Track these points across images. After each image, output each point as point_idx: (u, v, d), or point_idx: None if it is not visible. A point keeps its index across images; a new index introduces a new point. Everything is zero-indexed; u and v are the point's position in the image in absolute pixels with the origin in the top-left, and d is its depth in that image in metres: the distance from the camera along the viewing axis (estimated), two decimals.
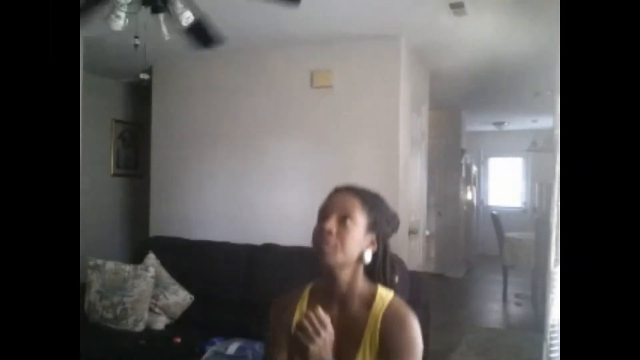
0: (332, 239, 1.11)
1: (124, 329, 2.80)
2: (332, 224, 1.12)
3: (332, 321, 1.10)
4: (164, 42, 2.24)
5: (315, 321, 1.01)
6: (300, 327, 1.02)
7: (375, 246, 1.17)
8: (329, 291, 1.18)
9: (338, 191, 1.20)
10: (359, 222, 1.14)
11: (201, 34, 2.19)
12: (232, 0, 2.71)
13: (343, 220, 1.13)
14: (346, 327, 1.14)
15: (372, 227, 1.16)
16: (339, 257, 1.12)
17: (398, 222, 1.24)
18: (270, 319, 1.24)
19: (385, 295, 1.16)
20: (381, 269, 1.19)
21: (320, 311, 1.03)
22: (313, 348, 1.00)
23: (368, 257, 1.16)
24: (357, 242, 1.14)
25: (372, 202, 1.18)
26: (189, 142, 4.01)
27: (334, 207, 1.15)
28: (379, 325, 1.11)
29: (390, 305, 1.14)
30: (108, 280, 2.93)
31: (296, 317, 1.19)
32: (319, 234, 1.13)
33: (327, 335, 1.01)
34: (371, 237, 1.16)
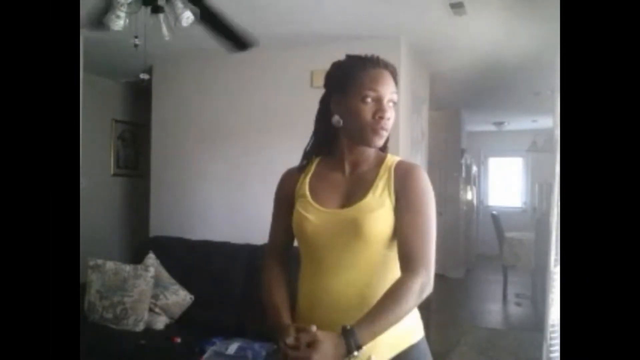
0: (389, 125, 1.18)
1: (124, 329, 2.80)
2: (391, 111, 1.18)
3: (343, 178, 1.22)
4: (164, 42, 2.25)
5: (302, 351, 0.96)
6: None
7: None
8: (340, 159, 1.24)
9: (379, 65, 1.23)
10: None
11: (234, 38, 2.24)
12: (232, 0, 2.71)
13: (391, 103, 1.19)
14: (357, 179, 1.21)
15: None
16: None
17: None
18: (277, 188, 1.35)
19: (394, 157, 1.24)
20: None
21: (306, 332, 0.99)
22: None
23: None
24: None
25: (396, 75, 1.27)
26: (189, 142, 4.01)
27: (386, 89, 1.19)
28: (392, 175, 1.18)
29: (400, 161, 1.23)
30: (108, 280, 2.93)
31: (298, 185, 1.27)
32: (380, 122, 1.16)
33: (319, 352, 0.95)
34: None
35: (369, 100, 1.15)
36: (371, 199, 1.15)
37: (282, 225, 1.29)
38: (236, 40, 2.26)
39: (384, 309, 1.04)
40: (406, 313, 1.07)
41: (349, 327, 0.98)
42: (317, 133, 1.30)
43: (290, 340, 0.98)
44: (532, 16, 3.00)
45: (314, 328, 0.99)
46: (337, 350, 0.96)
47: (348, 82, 1.18)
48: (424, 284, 1.07)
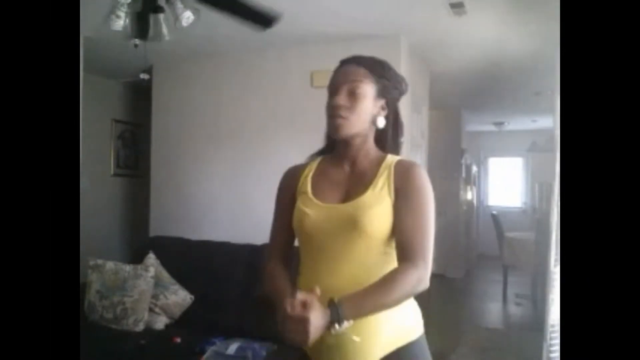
0: (344, 112, 1.17)
1: (124, 329, 2.80)
2: (342, 98, 1.18)
3: (344, 176, 1.22)
4: (164, 42, 2.25)
5: (298, 309, 0.96)
6: (287, 329, 0.97)
7: (386, 111, 1.24)
8: (339, 157, 1.26)
9: (344, 63, 1.24)
10: (368, 91, 1.19)
11: (256, 17, 2.23)
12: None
13: (353, 92, 1.18)
14: (357, 176, 1.22)
15: (381, 93, 1.22)
16: (352, 128, 1.19)
17: (406, 85, 1.29)
18: (279, 185, 1.36)
19: (394, 157, 1.24)
20: (391, 132, 1.27)
21: (300, 295, 0.99)
22: (308, 337, 0.96)
23: (381, 123, 1.23)
24: (367, 111, 1.20)
25: (380, 68, 1.23)
26: (189, 142, 4.01)
27: (343, 80, 1.19)
28: (392, 172, 1.18)
29: (400, 160, 1.23)
30: (108, 280, 2.93)
31: (300, 182, 1.28)
32: (331, 109, 1.19)
33: (314, 312, 0.96)
34: (381, 103, 1.22)
35: (331, 94, 1.20)
36: (370, 195, 1.15)
37: (284, 224, 1.29)
38: (259, 18, 2.24)
39: (375, 291, 1.05)
40: (397, 301, 1.07)
41: (336, 300, 1.00)
42: (325, 136, 1.32)
43: (289, 301, 0.99)
44: (532, 16, 3.00)
45: (317, 291, 1.01)
46: (323, 319, 0.97)
47: (329, 83, 1.23)
48: (421, 276, 1.08)
